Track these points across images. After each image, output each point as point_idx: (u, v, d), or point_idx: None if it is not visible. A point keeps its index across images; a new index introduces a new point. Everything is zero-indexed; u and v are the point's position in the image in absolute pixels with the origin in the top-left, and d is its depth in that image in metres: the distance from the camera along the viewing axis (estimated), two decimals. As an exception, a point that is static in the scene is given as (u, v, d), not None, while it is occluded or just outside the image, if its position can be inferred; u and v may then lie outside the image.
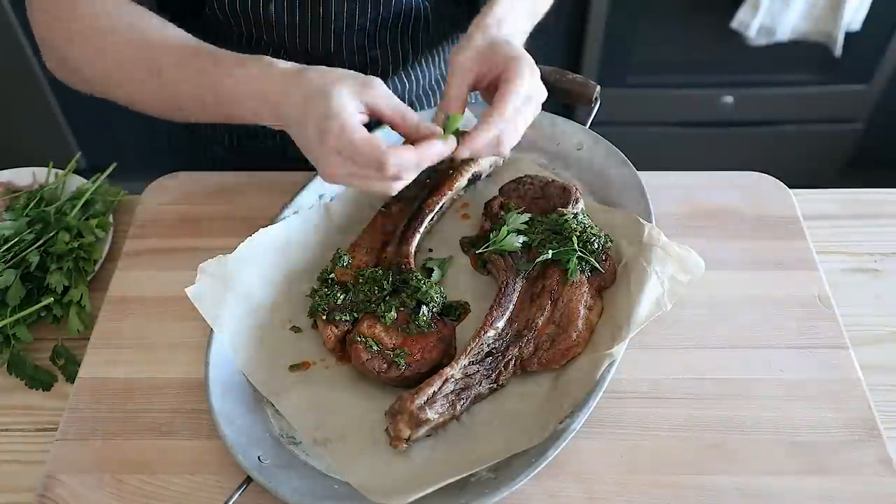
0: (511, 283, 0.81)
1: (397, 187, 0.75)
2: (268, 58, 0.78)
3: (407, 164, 0.73)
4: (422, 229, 0.87)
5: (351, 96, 0.73)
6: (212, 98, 0.80)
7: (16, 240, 0.90)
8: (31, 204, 0.94)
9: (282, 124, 0.78)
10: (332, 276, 0.84)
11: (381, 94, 0.75)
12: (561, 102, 1.04)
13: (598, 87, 0.99)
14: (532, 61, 0.79)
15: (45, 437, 0.79)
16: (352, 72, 0.76)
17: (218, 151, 1.15)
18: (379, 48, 1.02)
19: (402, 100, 1.05)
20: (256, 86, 0.77)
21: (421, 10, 1.01)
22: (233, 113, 0.80)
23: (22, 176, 1.04)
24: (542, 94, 0.81)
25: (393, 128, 0.77)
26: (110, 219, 0.97)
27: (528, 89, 0.77)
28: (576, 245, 0.80)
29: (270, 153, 1.10)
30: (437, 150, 0.74)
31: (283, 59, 0.79)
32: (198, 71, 0.80)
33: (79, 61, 0.87)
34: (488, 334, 0.76)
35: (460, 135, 0.77)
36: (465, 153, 0.76)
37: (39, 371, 0.84)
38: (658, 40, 2.13)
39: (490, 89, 0.79)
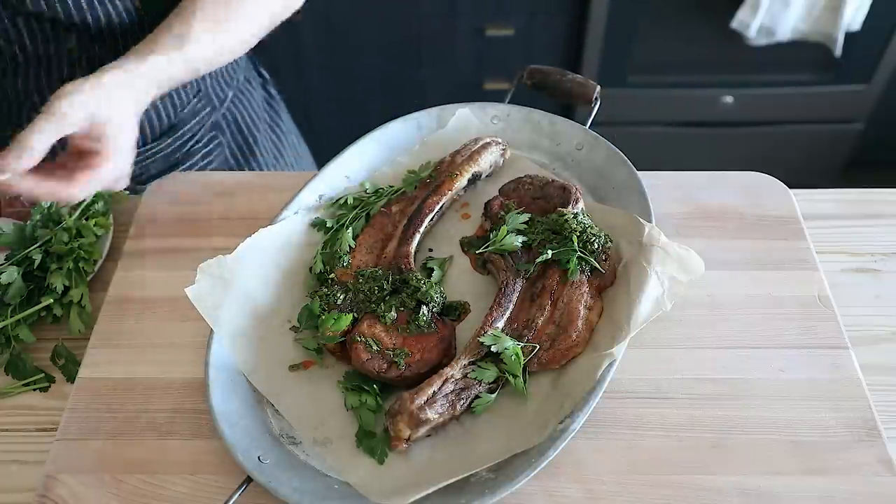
0: (511, 283, 0.81)
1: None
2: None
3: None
4: (422, 229, 0.87)
5: None
6: None
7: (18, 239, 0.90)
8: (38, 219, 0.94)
9: None
10: (332, 276, 0.84)
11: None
12: (561, 102, 1.04)
13: (598, 87, 0.99)
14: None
15: (45, 437, 0.79)
16: None
17: None
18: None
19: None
20: None
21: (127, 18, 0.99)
22: None
23: (22, 176, 1.04)
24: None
25: None
26: (110, 219, 0.97)
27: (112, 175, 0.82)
28: (576, 245, 0.80)
29: None
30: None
31: None
32: None
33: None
34: (488, 334, 0.75)
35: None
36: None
37: (39, 371, 0.84)
38: (658, 40, 2.13)
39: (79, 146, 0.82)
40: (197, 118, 1.14)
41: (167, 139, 1.12)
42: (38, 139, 0.76)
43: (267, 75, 1.35)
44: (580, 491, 0.70)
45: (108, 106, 0.80)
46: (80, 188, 0.80)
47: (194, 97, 1.13)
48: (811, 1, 1.92)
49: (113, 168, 0.82)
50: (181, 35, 0.88)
